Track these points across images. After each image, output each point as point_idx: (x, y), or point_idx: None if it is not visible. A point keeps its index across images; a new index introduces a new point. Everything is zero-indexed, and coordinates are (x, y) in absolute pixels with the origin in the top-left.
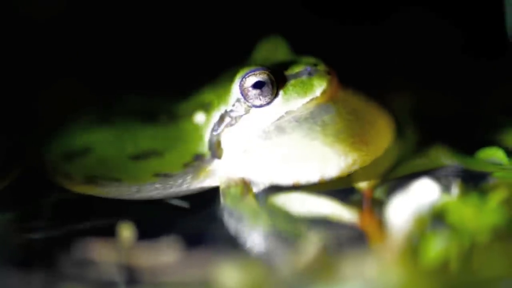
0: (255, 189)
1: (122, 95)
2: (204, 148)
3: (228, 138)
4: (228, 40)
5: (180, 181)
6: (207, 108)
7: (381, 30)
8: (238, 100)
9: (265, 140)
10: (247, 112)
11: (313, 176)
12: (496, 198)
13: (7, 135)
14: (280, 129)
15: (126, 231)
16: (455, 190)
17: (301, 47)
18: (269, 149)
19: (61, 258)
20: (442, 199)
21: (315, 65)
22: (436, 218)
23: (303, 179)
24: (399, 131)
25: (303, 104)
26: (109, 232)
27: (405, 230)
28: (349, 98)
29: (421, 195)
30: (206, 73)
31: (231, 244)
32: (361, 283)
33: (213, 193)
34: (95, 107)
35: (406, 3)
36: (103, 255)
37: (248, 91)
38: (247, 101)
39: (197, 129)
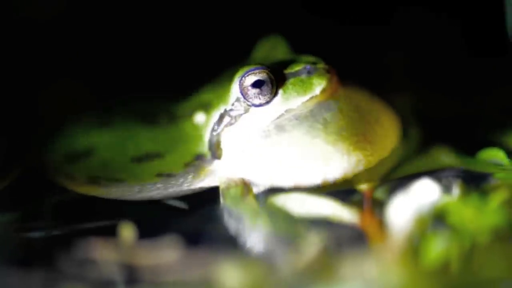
0: (255, 190)
1: (123, 96)
2: (205, 148)
3: (228, 137)
4: (228, 40)
5: (181, 180)
6: (207, 108)
7: (381, 30)
8: (237, 99)
9: (265, 139)
10: (246, 111)
11: (315, 177)
12: (497, 199)
13: (7, 135)
14: (280, 127)
15: (127, 231)
16: (456, 190)
17: (301, 47)
18: (269, 148)
19: (62, 258)
20: (443, 199)
21: (315, 63)
22: (437, 218)
23: (305, 181)
24: (402, 131)
25: (303, 103)
26: (109, 232)
27: (406, 231)
28: (352, 95)
29: (421, 195)
30: (206, 73)
31: (231, 244)
32: (362, 284)
33: (213, 193)
34: (96, 108)
35: (406, 3)
36: (103, 254)
37: (248, 90)
38: (247, 100)
39: (197, 129)
